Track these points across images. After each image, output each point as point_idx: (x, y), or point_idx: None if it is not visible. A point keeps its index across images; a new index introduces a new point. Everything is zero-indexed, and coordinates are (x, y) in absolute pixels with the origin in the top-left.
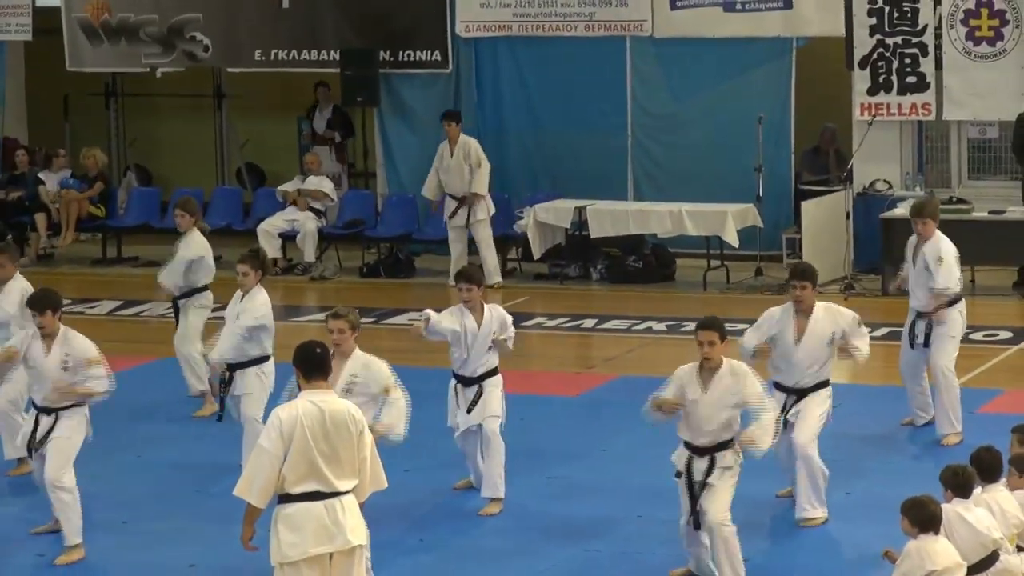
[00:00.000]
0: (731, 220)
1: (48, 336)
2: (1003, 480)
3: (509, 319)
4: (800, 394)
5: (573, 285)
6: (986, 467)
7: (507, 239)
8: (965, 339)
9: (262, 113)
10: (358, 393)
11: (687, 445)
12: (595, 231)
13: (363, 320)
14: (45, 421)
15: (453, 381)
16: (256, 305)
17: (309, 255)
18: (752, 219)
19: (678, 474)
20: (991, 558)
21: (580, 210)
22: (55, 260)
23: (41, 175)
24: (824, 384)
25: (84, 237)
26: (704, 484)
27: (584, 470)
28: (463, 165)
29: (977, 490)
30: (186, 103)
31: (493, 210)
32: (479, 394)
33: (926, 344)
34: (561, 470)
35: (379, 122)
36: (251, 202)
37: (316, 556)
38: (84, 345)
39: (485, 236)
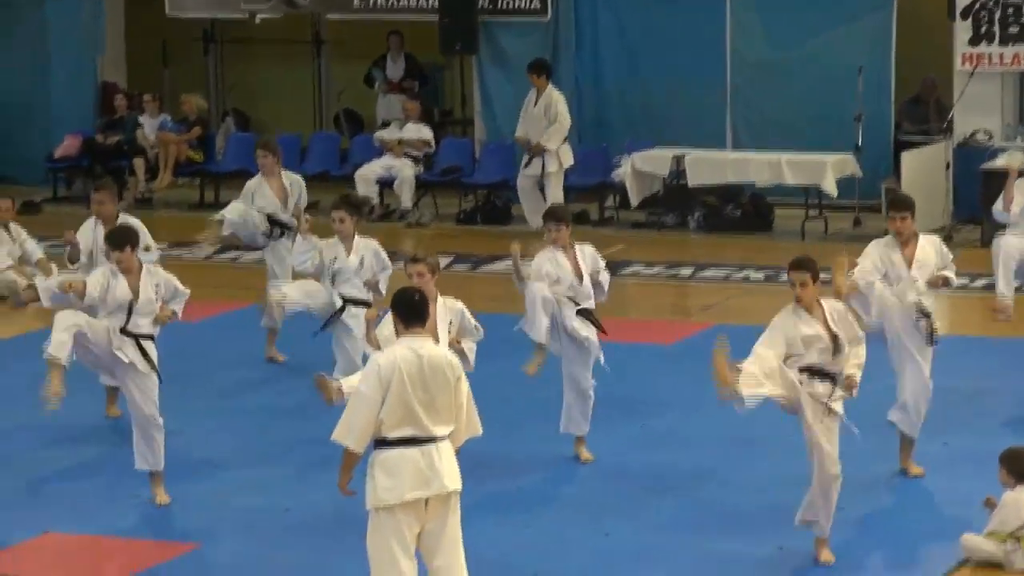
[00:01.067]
0: (830, 170)
1: (127, 271)
2: None
3: (601, 261)
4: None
5: (670, 233)
6: None
7: (605, 187)
8: None
9: (360, 60)
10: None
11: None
12: (693, 179)
13: (459, 267)
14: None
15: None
16: (378, 248)
17: (406, 202)
18: (851, 169)
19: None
20: None
21: (678, 159)
22: (153, 204)
23: (140, 119)
24: None
25: (182, 182)
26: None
27: (680, 419)
28: (543, 118)
29: None
30: (284, 49)
31: (568, 163)
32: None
33: None
34: (657, 419)
35: (477, 70)
36: (348, 148)
37: (412, 501)
38: (169, 275)
39: (555, 190)
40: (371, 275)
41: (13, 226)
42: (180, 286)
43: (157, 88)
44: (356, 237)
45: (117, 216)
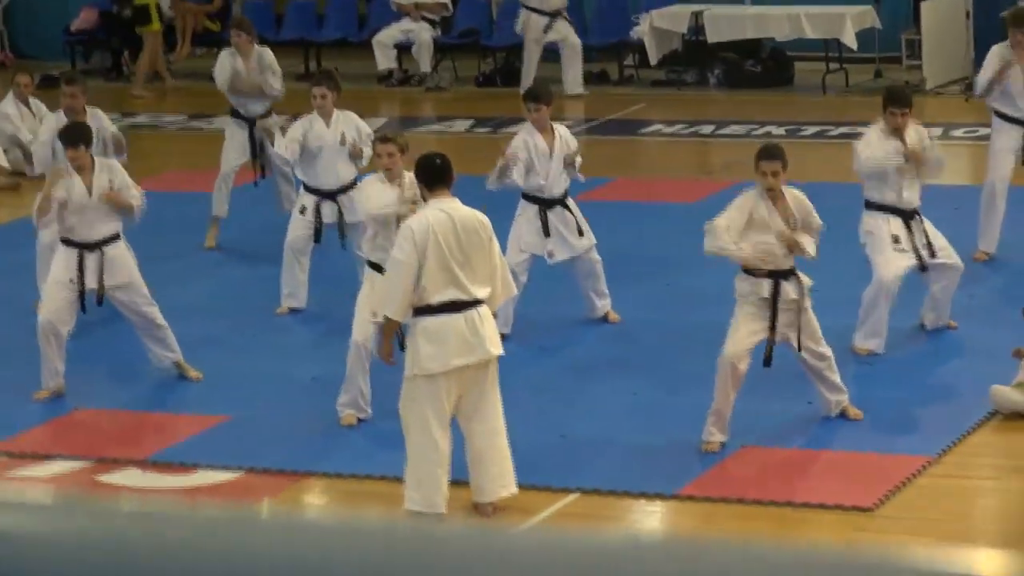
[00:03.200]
0: (849, 22)
1: (81, 169)
2: None
3: (574, 141)
4: None
5: (690, 91)
6: None
7: (623, 45)
8: None
9: None
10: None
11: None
12: (712, 36)
13: (479, 130)
14: (92, 259)
15: (526, 205)
16: (359, 122)
17: (425, 66)
18: (871, 21)
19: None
20: None
21: (696, 15)
22: (172, 75)
23: None
24: None
25: (200, 52)
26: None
27: (705, 277)
28: None
29: None
30: None
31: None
32: (575, 216)
33: None
34: (682, 277)
35: None
36: (365, 14)
37: (456, 368)
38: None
39: (574, 58)
40: (352, 146)
41: (33, 101)
42: (136, 190)
43: None
44: (335, 112)
45: (85, 111)
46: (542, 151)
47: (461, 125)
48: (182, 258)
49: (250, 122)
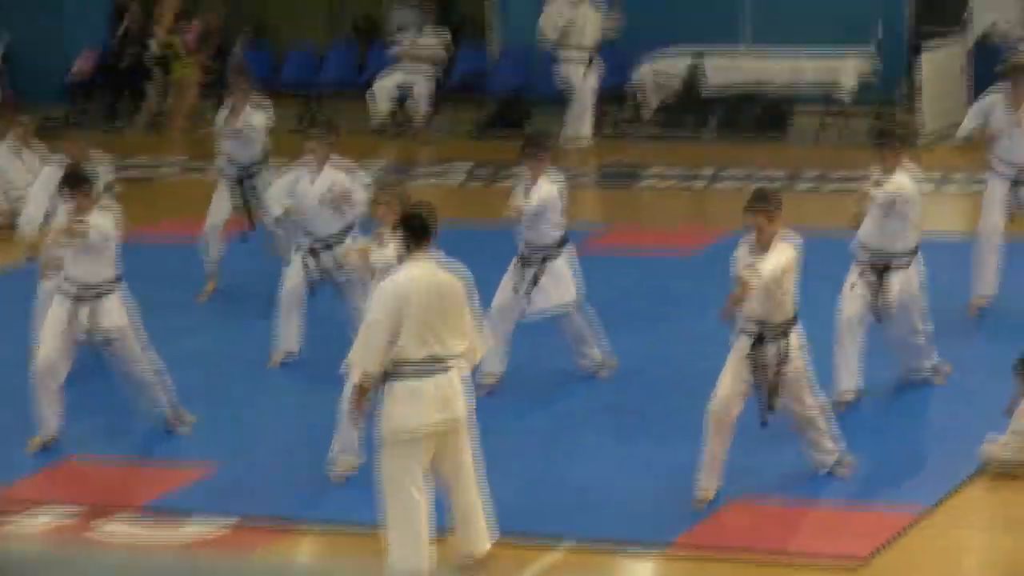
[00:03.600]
0: (849, 70)
1: (84, 213)
2: None
3: (542, 197)
4: None
5: (687, 139)
6: None
7: (622, 93)
8: None
9: None
10: None
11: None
12: (710, 84)
13: (477, 176)
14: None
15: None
16: (357, 184)
17: (423, 112)
18: (870, 68)
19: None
20: None
21: (695, 64)
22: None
23: (151, 42)
24: None
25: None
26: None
27: (703, 325)
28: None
29: None
30: None
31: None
32: (536, 275)
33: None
34: (680, 325)
35: None
36: (364, 61)
37: (431, 427)
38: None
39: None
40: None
41: (31, 147)
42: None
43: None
44: (328, 164)
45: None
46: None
47: (459, 172)
48: (178, 308)
49: (239, 172)
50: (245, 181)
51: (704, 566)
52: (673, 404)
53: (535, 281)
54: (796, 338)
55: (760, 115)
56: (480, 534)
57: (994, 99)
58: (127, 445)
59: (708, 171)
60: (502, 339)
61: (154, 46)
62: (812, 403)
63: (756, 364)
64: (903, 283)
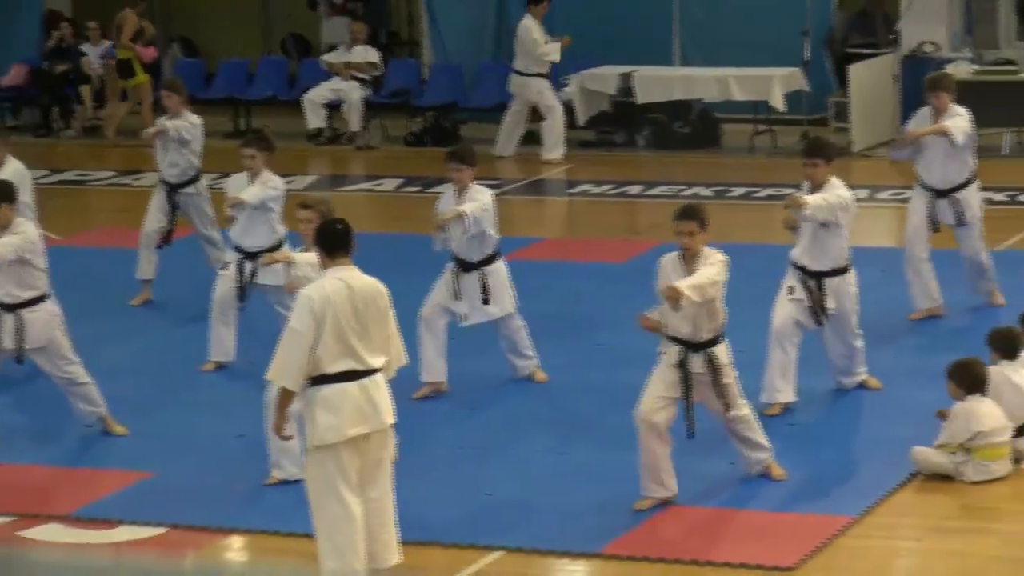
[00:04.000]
0: (777, 85)
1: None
2: None
3: (481, 204)
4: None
5: (619, 151)
6: None
7: None
8: (1013, 200)
9: None
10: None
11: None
12: (641, 97)
13: (408, 189)
14: (9, 321)
15: (450, 264)
16: (277, 186)
17: (355, 124)
18: (798, 83)
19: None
20: None
21: (626, 76)
22: (100, 133)
23: (83, 48)
24: None
25: (137, 107)
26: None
27: (634, 336)
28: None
29: None
30: None
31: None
32: (483, 284)
33: (960, 223)
34: (610, 337)
35: None
36: (296, 73)
37: (354, 437)
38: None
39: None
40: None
41: None
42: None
43: (102, 15)
44: (264, 173)
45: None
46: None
47: (390, 184)
48: (110, 315)
49: (170, 186)
50: (179, 191)
51: (635, 573)
52: (604, 414)
53: (484, 290)
54: (724, 350)
55: (691, 129)
56: (387, 547)
57: (925, 112)
58: (55, 453)
59: (640, 183)
60: (438, 348)
61: (117, 53)
62: (742, 412)
63: (684, 376)
64: (838, 291)
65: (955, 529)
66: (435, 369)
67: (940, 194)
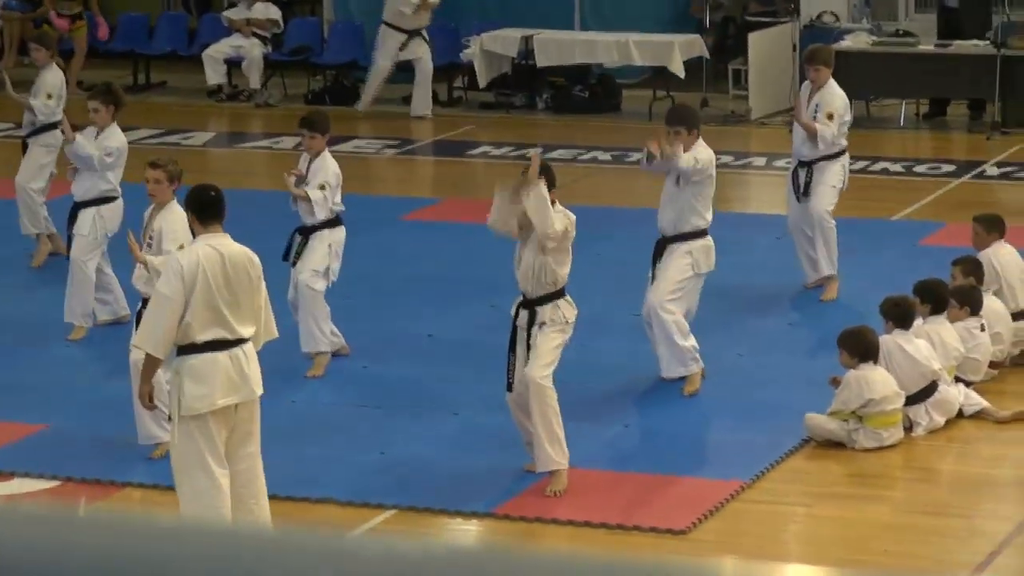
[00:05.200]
0: (677, 51)
1: None
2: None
3: (330, 176)
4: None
5: (519, 114)
6: (932, 298)
7: (453, 67)
8: (909, 171)
9: None
10: (156, 251)
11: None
12: (541, 60)
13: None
14: None
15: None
16: (112, 141)
17: (255, 82)
18: (698, 50)
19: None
20: (930, 388)
21: (527, 39)
22: None
23: None
24: None
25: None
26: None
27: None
28: None
29: (918, 321)
30: None
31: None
32: (302, 245)
33: (806, 194)
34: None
35: None
36: (196, 28)
37: (223, 407)
38: None
39: (426, 76)
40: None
41: None
42: None
43: None
44: (110, 128)
45: None
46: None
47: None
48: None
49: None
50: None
51: (528, 532)
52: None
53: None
54: (549, 312)
55: (591, 92)
56: (262, 517)
57: (806, 87)
58: None
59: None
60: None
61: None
62: (538, 376)
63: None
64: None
65: (846, 495)
66: (313, 339)
67: (802, 164)
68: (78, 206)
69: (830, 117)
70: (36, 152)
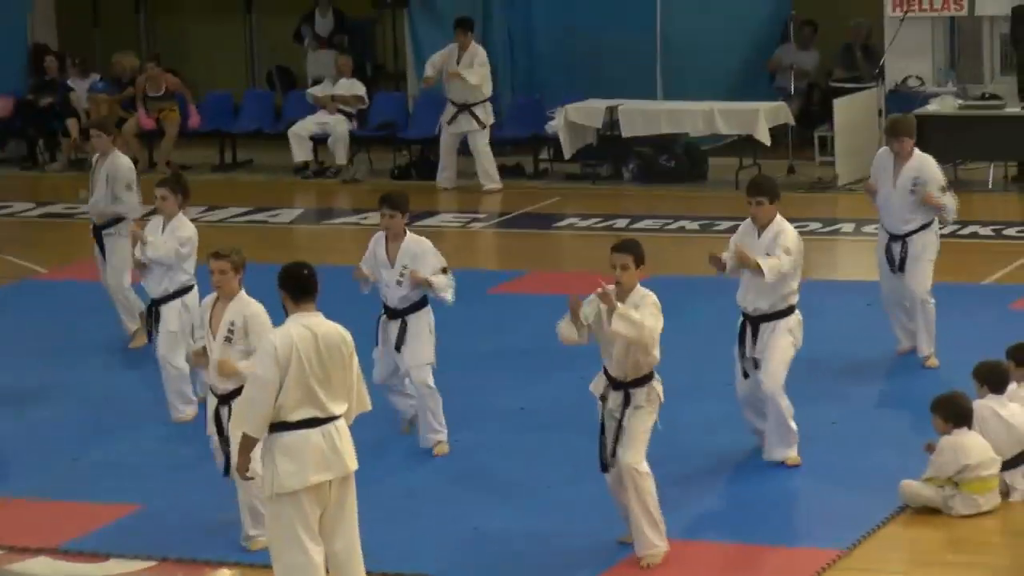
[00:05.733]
0: (763, 118)
1: None
2: None
3: (430, 255)
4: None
5: (605, 185)
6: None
7: (538, 140)
8: (999, 235)
9: (290, 15)
10: (235, 343)
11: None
12: (626, 130)
13: None
14: None
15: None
16: (184, 231)
17: (341, 158)
18: (784, 117)
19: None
20: None
21: (611, 109)
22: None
23: (70, 81)
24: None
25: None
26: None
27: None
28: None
29: (1012, 386)
30: (215, 5)
31: (489, 121)
32: (402, 330)
33: (902, 268)
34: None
35: (409, 23)
36: (281, 105)
37: (316, 484)
38: None
39: (482, 147)
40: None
41: None
42: None
43: (88, 48)
44: (177, 217)
45: None
46: (381, 260)
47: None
48: (93, 349)
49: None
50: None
51: None
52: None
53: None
54: (641, 396)
55: (677, 162)
56: None
57: (884, 153)
58: (44, 485)
59: (625, 216)
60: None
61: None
62: (634, 463)
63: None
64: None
65: (944, 563)
66: (434, 432)
67: (895, 238)
68: (157, 303)
69: (943, 190)
70: (116, 246)
